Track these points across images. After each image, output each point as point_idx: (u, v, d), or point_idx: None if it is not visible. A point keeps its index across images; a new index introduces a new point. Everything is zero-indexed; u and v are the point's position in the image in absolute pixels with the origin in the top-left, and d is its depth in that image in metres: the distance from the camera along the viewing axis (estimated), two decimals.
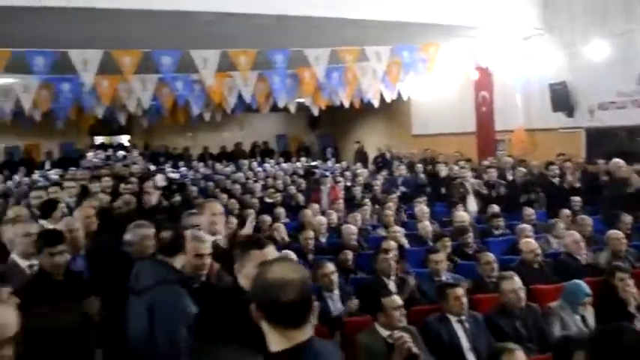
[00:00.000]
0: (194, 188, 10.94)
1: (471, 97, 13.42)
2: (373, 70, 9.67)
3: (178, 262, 3.30)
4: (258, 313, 1.78)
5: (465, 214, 7.87)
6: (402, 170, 11.69)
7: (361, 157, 16.37)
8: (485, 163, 11.31)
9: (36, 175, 13.06)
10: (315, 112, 13.74)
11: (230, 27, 8.72)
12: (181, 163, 15.61)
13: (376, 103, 11.47)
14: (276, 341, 1.77)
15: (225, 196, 9.65)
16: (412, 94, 13.04)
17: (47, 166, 15.10)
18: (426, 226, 7.36)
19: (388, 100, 11.81)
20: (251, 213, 7.79)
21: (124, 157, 14.88)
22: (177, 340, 3.00)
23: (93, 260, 4.24)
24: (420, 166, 11.75)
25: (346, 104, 11.94)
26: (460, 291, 4.45)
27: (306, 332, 1.79)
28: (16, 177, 13.18)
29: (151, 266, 3.29)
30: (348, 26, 8.93)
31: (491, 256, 5.48)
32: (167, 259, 3.27)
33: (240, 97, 10.77)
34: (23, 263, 3.83)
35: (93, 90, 9.64)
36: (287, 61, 8.91)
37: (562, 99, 10.79)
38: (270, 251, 2.66)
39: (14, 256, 3.84)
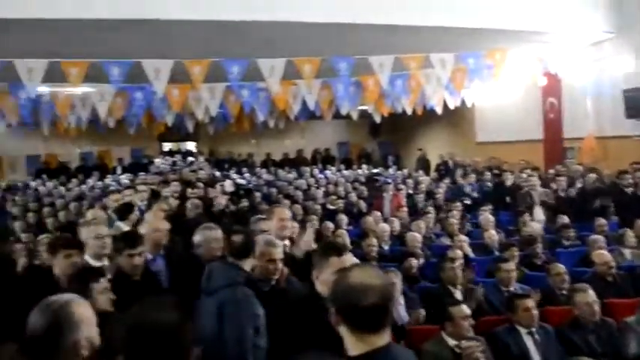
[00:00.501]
0: (257, 194, 11.15)
1: (538, 103, 13.05)
2: (437, 77, 9.57)
3: (248, 265, 3.41)
4: (337, 318, 1.80)
5: (536, 224, 7.67)
6: (470, 178, 11.49)
7: (423, 164, 16.18)
8: (552, 171, 10.97)
9: (108, 180, 13.68)
10: (378, 119, 13.72)
11: (295, 35, 8.87)
12: (244, 170, 15.90)
13: (439, 110, 11.34)
14: (354, 345, 1.79)
15: (287, 201, 9.77)
16: (477, 101, 12.83)
17: (119, 171, 15.80)
18: (492, 235, 7.20)
19: (452, 107, 11.66)
20: (313, 219, 7.97)
21: (191, 162, 15.37)
22: (245, 340, 3.10)
23: (170, 261, 4.39)
24: (488, 175, 11.54)
25: (409, 111, 11.88)
26: (530, 302, 4.35)
27: (384, 337, 1.80)
28: (90, 181, 13.85)
29: (222, 268, 3.41)
30: (414, 33, 8.89)
31: (562, 268, 5.32)
32: (237, 261, 3.39)
33: (303, 104, 10.91)
34: (95, 264, 3.90)
35: (164, 98, 10.00)
36: (351, 69, 8.94)
37: (636, 105, 10.35)
38: (349, 258, 2.71)
39: (87, 257, 3.93)
